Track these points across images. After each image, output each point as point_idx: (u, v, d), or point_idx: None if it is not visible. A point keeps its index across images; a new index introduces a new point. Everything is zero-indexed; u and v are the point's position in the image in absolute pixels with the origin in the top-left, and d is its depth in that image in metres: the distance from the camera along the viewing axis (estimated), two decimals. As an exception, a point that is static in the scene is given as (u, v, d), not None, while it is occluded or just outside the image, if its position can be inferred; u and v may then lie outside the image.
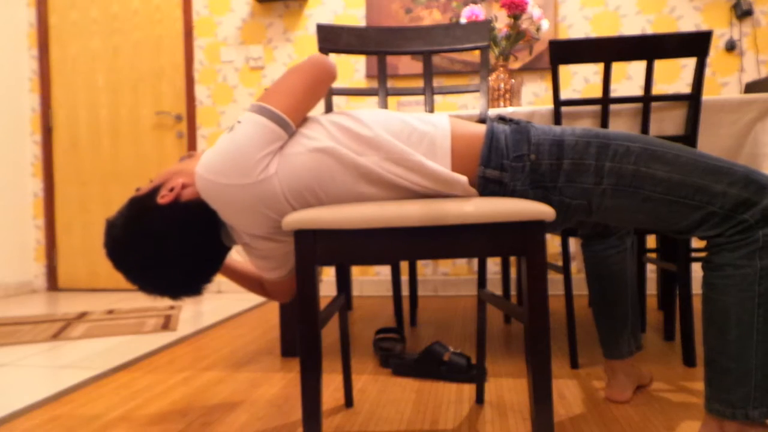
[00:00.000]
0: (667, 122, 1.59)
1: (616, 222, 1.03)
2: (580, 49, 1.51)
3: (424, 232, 0.95)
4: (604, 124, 1.56)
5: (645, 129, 1.57)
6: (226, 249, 1.13)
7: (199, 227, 1.06)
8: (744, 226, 0.93)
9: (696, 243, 2.91)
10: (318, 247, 0.96)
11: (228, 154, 0.99)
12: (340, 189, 1.00)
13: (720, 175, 0.94)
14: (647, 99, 1.53)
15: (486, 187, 1.01)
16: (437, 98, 3.15)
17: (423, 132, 1.02)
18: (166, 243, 1.04)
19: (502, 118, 1.07)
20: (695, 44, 1.50)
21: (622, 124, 1.62)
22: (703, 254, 2.76)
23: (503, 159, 0.99)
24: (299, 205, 1.02)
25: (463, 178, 0.99)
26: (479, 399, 1.36)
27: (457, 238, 0.95)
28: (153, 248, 1.04)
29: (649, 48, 1.50)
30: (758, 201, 0.92)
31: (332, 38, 1.94)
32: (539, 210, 0.93)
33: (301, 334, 0.95)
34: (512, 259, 2.84)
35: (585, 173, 0.97)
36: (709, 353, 0.97)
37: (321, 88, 1.05)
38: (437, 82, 3.15)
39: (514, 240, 0.94)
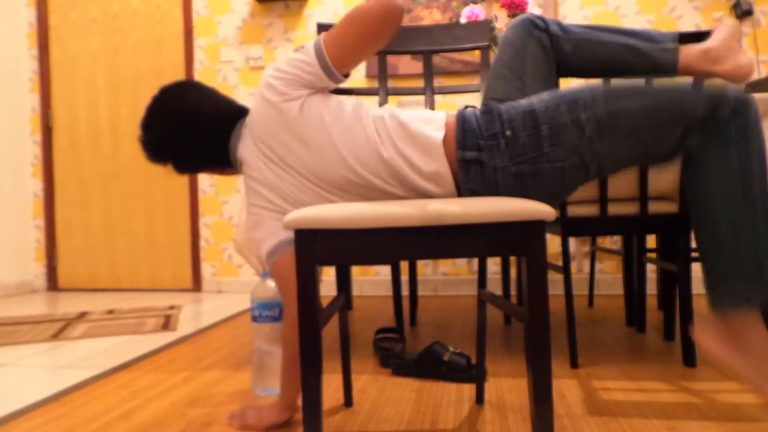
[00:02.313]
0: (667, 122, 1.59)
1: (614, 169, 1.05)
2: (580, 49, 1.51)
3: (424, 232, 0.95)
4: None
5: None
6: (227, 162, 1.24)
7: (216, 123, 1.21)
8: (719, 124, 0.97)
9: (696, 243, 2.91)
10: (318, 246, 0.96)
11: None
12: (346, 120, 1.08)
13: (685, 93, 1.00)
14: (647, 99, 1.53)
15: (468, 170, 1.03)
16: (437, 98, 3.15)
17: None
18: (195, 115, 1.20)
19: (469, 106, 1.15)
20: (695, 44, 1.49)
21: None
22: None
23: (479, 139, 1.03)
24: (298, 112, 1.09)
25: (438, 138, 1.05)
26: (479, 399, 1.36)
27: (457, 238, 0.95)
28: (186, 113, 1.20)
29: (649, 48, 1.49)
30: (724, 99, 0.97)
31: (332, 38, 1.94)
32: (539, 210, 0.93)
33: (302, 334, 0.95)
34: (512, 259, 2.84)
35: (565, 131, 1.00)
36: (705, 256, 1.01)
37: (381, 39, 1.08)
38: (437, 82, 3.15)
39: (514, 240, 0.94)
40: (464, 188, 1.06)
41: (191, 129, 1.21)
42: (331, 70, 1.07)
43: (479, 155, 1.02)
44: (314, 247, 0.96)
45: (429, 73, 2.00)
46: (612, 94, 1.01)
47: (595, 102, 1.01)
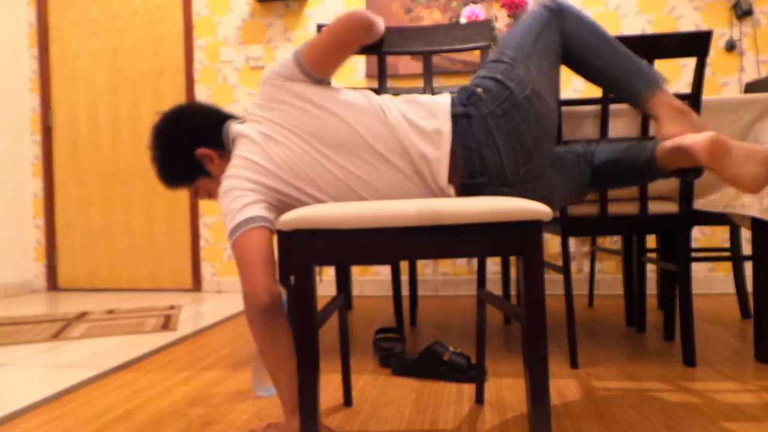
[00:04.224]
0: (667, 122, 1.59)
1: (546, 85, 1.23)
2: (579, 49, 1.51)
3: (423, 232, 0.95)
4: (604, 124, 1.56)
5: (645, 129, 1.57)
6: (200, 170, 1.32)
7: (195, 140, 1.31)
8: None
9: (696, 243, 2.91)
10: (316, 246, 0.96)
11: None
12: (350, 94, 1.21)
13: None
14: (647, 99, 1.52)
15: (456, 123, 1.17)
16: (437, 98, 3.14)
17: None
18: (178, 136, 1.32)
19: None
20: (695, 44, 1.50)
21: (623, 125, 1.62)
22: (702, 254, 2.76)
23: (462, 101, 1.21)
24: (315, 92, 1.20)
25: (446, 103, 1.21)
26: (479, 399, 1.36)
27: (455, 238, 0.95)
28: (172, 134, 1.32)
29: (649, 48, 1.49)
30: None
31: (332, 38, 1.94)
32: (537, 210, 0.93)
33: (298, 334, 0.95)
34: (512, 259, 2.84)
35: (511, 70, 1.20)
36: (613, 71, 1.28)
37: (352, 44, 1.22)
38: (437, 82, 3.15)
39: (511, 240, 0.94)
40: (456, 144, 1.16)
41: (188, 114, 1.33)
42: (311, 74, 1.21)
43: (466, 110, 1.18)
44: (312, 247, 0.96)
45: (429, 73, 2.00)
46: (514, 40, 1.26)
47: (507, 47, 1.25)
